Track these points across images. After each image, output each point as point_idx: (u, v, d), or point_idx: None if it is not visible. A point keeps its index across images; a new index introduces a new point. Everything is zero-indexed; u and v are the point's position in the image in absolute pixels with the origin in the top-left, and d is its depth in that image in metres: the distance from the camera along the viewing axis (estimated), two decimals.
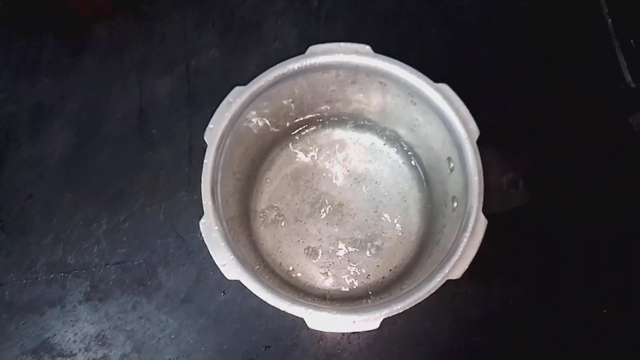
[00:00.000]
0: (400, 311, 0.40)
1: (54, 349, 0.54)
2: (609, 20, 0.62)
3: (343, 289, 0.54)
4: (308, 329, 0.40)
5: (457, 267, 0.40)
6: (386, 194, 0.57)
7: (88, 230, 0.57)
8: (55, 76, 0.64)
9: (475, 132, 0.43)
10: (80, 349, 0.54)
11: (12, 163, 0.61)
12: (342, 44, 0.45)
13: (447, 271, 0.40)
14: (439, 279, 0.40)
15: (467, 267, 0.40)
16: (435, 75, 0.45)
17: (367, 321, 0.40)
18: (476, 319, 0.54)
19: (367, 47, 0.46)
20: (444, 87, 0.44)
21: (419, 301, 0.40)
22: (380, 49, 0.46)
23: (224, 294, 0.55)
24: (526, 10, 0.63)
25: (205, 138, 0.44)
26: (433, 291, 0.40)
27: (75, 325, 0.54)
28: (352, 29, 0.64)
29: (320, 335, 0.53)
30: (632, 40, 0.61)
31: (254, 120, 0.48)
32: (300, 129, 0.58)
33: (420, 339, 0.54)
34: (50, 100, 0.63)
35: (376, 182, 0.57)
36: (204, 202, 0.42)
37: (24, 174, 0.60)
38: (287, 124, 0.56)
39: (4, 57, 0.65)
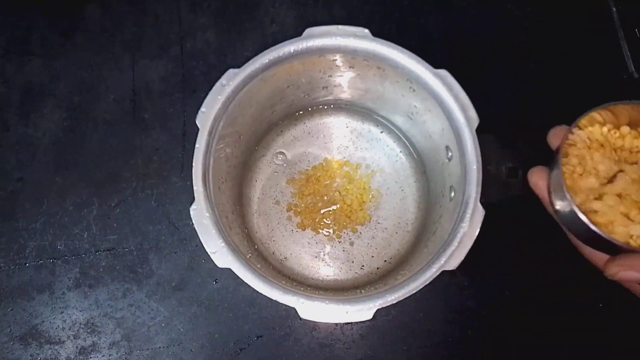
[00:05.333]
0: (394, 302, 0.39)
1: (42, 336, 0.53)
2: (614, 9, 0.61)
3: (337, 279, 0.53)
4: (301, 318, 0.39)
5: (453, 257, 0.40)
6: (382, 182, 0.56)
7: (78, 215, 0.56)
8: (46, 57, 0.62)
9: (475, 119, 0.42)
10: (69, 336, 0.53)
11: (1, 145, 0.59)
12: (340, 26, 0.44)
13: (442, 262, 0.40)
14: (434, 270, 0.39)
15: (463, 258, 0.40)
16: (434, 61, 0.43)
17: (360, 311, 0.39)
18: (471, 309, 0.53)
19: (366, 31, 0.44)
20: (444, 73, 0.43)
21: (414, 292, 0.39)
22: (379, 33, 0.44)
23: (216, 282, 0.54)
24: None
25: (197, 122, 0.43)
26: (428, 282, 0.39)
27: (64, 312, 0.53)
28: (351, 12, 0.62)
29: (313, 325, 0.53)
30: (636, 30, 0.60)
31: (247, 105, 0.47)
32: (295, 114, 0.57)
33: (414, 329, 0.53)
34: (40, 82, 0.61)
35: (372, 171, 0.56)
36: (194, 187, 0.41)
37: (14, 156, 0.59)
38: (283, 109, 0.54)
39: None
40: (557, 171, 0.34)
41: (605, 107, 0.35)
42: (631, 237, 0.33)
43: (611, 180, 0.35)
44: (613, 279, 0.33)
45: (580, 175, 0.35)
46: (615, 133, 0.36)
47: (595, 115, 0.35)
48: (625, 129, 0.36)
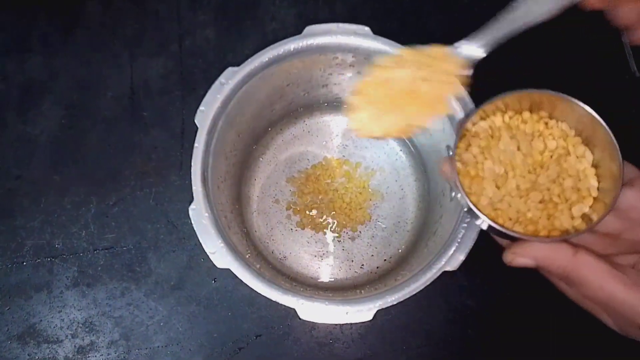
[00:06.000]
0: (395, 303, 0.39)
1: (40, 335, 0.52)
2: None
3: (336, 278, 0.53)
4: (300, 318, 0.39)
5: (454, 258, 0.39)
6: (382, 181, 0.55)
7: (76, 213, 0.56)
8: (45, 54, 0.62)
9: None
10: (67, 335, 0.53)
11: (0, 143, 0.59)
12: (340, 24, 0.44)
13: (443, 262, 0.39)
14: (434, 271, 0.39)
15: (464, 258, 0.40)
16: None
17: (360, 312, 0.39)
18: (472, 310, 0.53)
19: (367, 29, 0.44)
20: None
21: (414, 293, 0.39)
22: (380, 31, 0.44)
23: (215, 281, 0.54)
24: None
25: (196, 121, 0.42)
26: (428, 283, 0.39)
27: (62, 311, 0.53)
28: (352, 10, 0.62)
29: (312, 325, 0.52)
30: None
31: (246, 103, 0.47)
32: (295, 113, 0.56)
33: (414, 329, 0.53)
34: (39, 79, 0.61)
35: (372, 170, 0.56)
36: (193, 187, 0.41)
37: (12, 154, 0.59)
38: (282, 108, 0.54)
39: None
40: (453, 162, 0.35)
41: (503, 96, 0.36)
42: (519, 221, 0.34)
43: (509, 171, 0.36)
44: (510, 265, 0.34)
45: (481, 167, 0.36)
46: (517, 119, 0.37)
47: (499, 101, 0.36)
48: (526, 114, 0.37)
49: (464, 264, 0.39)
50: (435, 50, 0.39)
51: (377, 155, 0.56)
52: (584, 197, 0.34)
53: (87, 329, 0.53)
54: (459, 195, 0.35)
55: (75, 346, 0.52)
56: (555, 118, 0.37)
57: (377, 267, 0.53)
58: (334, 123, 0.57)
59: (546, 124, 0.37)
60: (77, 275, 0.54)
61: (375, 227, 0.54)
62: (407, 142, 0.56)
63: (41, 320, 0.53)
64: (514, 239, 0.34)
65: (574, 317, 0.52)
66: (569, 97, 0.35)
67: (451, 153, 0.35)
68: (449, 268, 0.39)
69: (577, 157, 0.35)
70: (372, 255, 0.54)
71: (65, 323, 0.53)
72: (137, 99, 0.60)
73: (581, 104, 0.34)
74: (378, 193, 0.55)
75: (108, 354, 0.52)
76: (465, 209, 0.36)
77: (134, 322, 0.53)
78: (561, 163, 0.35)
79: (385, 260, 0.53)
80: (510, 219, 0.35)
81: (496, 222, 0.33)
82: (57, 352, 0.52)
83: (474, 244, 0.40)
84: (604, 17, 0.42)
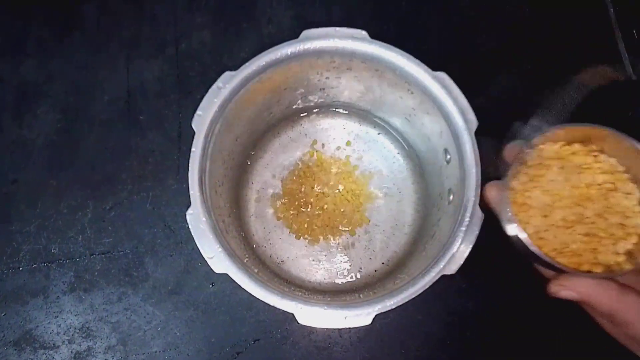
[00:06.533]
0: (393, 307, 0.39)
1: (36, 341, 0.52)
2: (612, 10, 0.61)
3: (334, 281, 0.53)
4: (299, 323, 0.38)
5: (452, 262, 0.39)
6: (380, 184, 0.55)
7: (73, 218, 0.56)
8: (41, 57, 0.62)
9: (474, 122, 0.42)
10: (63, 341, 0.52)
11: None
12: (337, 28, 0.44)
13: (442, 266, 0.39)
14: (433, 274, 0.39)
15: (462, 262, 0.39)
16: (432, 63, 0.43)
17: (359, 317, 0.39)
18: (470, 312, 0.53)
19: (364, 33, 0.44)
20: (443, 75, 0.43)
21: (413, 297, 0.39)
22: (377, 35, 0.44)
23: (212, 285, 0.53)
24: None
25: (193, 125, 0.42)
26: (427, 287, 0.39)
27: (59, 316, 0.53)
28: (350, 13, 0.62)
29: (311, 329, 0.52)
30: (634, 31, 0.60)
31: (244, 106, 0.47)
32: (292, 116, 0.56)
33: (412, 332, 0.53)
34: (35, 82, 0.61)
35: (370, 173, 0.56)
36: (191, 192, 0.41)
37: (8, 158, 0.58)
38: (280, 111, 0.54)
39: None
40: (504, 189, 0.36)
41: (562, 127, 0.36)
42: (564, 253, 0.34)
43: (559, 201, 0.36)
44: (554, 296, 0.34)
45: (529, 195, 0.36)
46: (568, 149, 0.37)
47: (550, 134, 0.36)
48: (576, 146, 0.37)
49: (462, 267, 0.39)
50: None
51: (375, 158, 0.56)
52: (629, 235, 0.34)
53: (84, 335, 0.52)
54: (507, 224, 0.35)
55: (72, 352, 0.52)
56: (605, 152, 0.36)
57: (375, 271, 0.53)
58: (331, 126, 0.57)
59: (595, 157, 0.36)
60: (74, 280, 0.54)
61: (372, 230, 0.54)
62: (405, 145, 0.56)
63: (37, 326, 0.53)
64: (557, 270, 0.34)
65: (572, 320, 0.53)
66: (619, 133, 0.35)
67: (507, 181, 0.35)
68: (447, 272, 0.39)
69: (625, 193, 0.35)
70: (370, 259, 0.53)
71: (62, 328, 0.52)
72: (133, 102, 0.59)
73: (632, 140, 0.34)
74: (375, 196, 0.55)
75: None
76: (512, 236, 0.35)
77: (131, 327, 0.52)
78: (608, 198, 0.35)
79: (383, 263, 0.53)
80: (555, 250, 0.35)
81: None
82: (54, 357, 0.52)
83: (473, 248, 0.40)
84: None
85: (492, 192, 0.38)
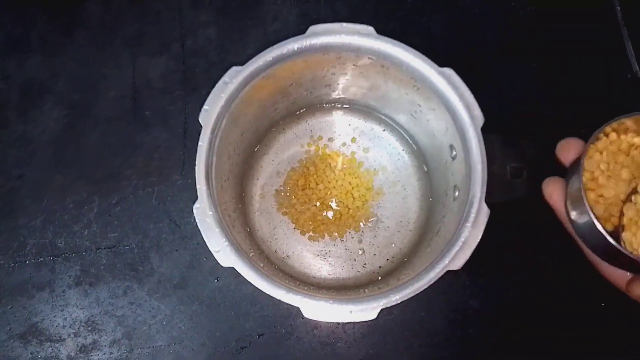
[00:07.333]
0: (399, 302, 0.39)
1: (42, 334, 0.52)
2: (618, 8, 0.61)
3: (339, 277, 0.53)
4: (303, 317, 0.39)
5: (457, 258, 0.39)
6: (385, 181, 0.55)
7: (79, 212, 0.56)
8: (46, 54, 0.62)
9: (480, 118, 0.42)
10: (69, 334, 0.52)
11: (1, 142, 0.59)
12: (344, 24, 0.44)
13: (447, 262, 0.39)
14: (438, 270, 0.39)
15: (468, 258, 0.39)
16: (438, 59, 0.43)
17: (364, 311, 0.39)
18: (474, 309, 0.53)
19: (370, 28, 0.44)
20: (449, 71, 0.43)
21: (418, 292, 0.39)
22: (383, 31, 0.44)
23: (217, 280, 0.54)
24: None
25: (200, 120, 0.42)
26: (432, 282, 0.39)
27: (65, 310, 0.53)
28: (355, 10, 0.62)
29: (314, 324, 0.53)
30: None
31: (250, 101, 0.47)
32: (298, 112, 0.57)
33: (416, 328, 0.53)
34: (40, 79, 0.61)
35: (374, 169, 0.56)
36: (198, 186, 0.41)
37: (14, 153, 0.58)
38: (285, 107, 0.54)
39: None
40: (577, 183, 0.34)
41: (630, 116, 0.34)
42: None
43: (633, 192, 0.34)
44: (637, 298, 0.32)
45: (601, 185, 0.34)
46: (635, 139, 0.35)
47: (617, 124, 0.35)
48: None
49: (467, 263, 0.39)
50: None
51: (380, 155, 0.56)
52: None
53: (89, 328, 0.53)
54: (582, 220, 0.33)
55: (77, 345, 0.52)
56: None
57: (380, 267, 0.53)
58: (336, 122, 0.57)
59: None
60: (80, 274, 0.54)
61: (377, 227, 0.54)
62: (410, 141, 0.56)
63: (43, 319, 0.53)
64: (634, 268, 0.33)
65: (576, 318, 0.53)
66: None
67: (580, 174, 0.33)
68: (452, 267, 0.39)
69: None
70: (375, 255, 0.54)
71: (67, 322, 0.53)
72: (138, 98, 0.60)
73: None
74: (381, 192, 0.55)
75: (110, 353, 0.52)
76: (584, 231, 0.34)
77: (137, 321, 0.53)
78: None
79: (387, 259, 0.53)
80: (635, 249, 0.33)
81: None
82: (59, 350, 0.52)
83: (478, 244, 0.40)
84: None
85: (549, 188, 0.36)
